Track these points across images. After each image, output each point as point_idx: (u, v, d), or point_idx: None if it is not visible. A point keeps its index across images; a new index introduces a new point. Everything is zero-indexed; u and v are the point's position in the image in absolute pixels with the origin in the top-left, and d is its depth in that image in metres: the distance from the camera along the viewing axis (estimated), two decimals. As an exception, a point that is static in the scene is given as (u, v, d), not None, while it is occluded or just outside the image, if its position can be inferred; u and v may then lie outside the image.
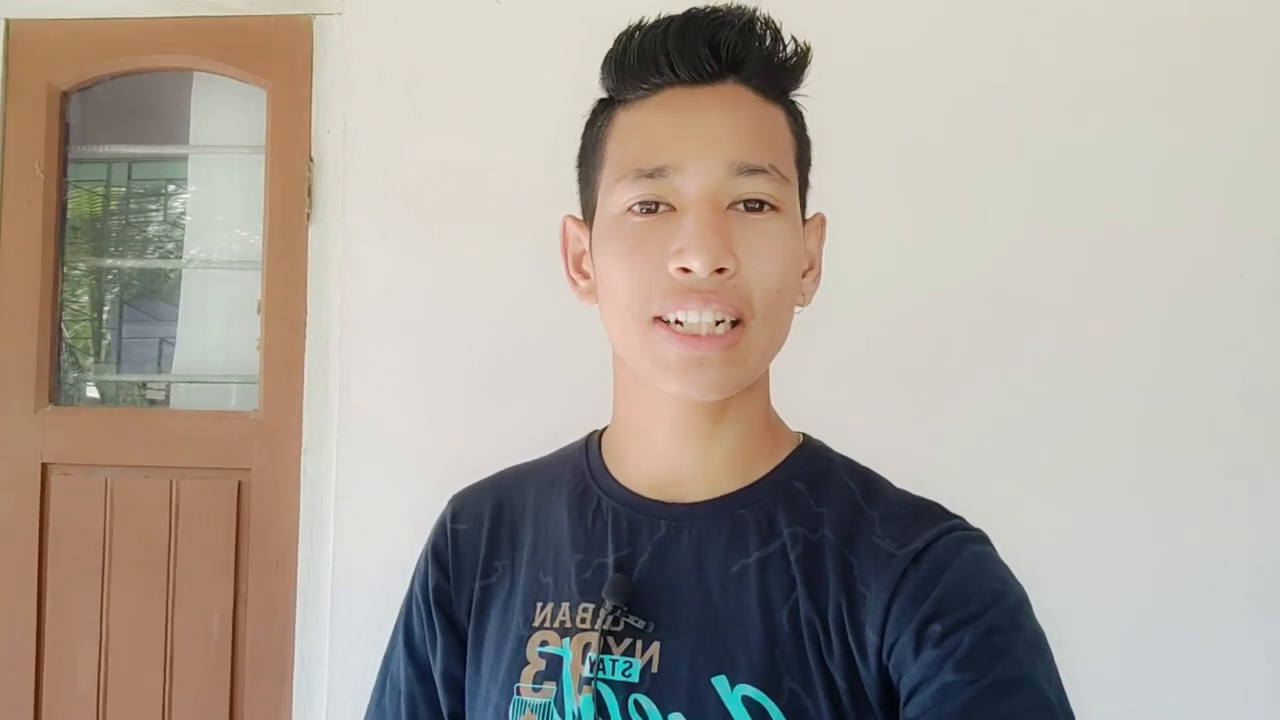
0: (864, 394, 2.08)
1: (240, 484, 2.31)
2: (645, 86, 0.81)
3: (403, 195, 2.25)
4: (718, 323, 0.76)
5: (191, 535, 2.31)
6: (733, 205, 0.77)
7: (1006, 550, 0.79)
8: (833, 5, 1.94)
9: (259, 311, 2.34)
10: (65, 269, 2.53)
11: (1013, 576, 0.77)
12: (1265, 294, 2.05)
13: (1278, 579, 2.01)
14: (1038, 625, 0.75)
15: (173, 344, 2.59)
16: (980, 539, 0.79)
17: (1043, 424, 2.07)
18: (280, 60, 2.34)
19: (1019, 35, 2.13)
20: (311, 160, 2.30)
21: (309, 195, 2.30)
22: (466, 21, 2.25)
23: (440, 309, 2.23)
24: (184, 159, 2.62)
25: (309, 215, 2.30)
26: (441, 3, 2.27)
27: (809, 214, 0.87)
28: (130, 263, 2.75)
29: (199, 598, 2.31)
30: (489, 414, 2.19)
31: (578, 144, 0.88)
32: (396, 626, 0.95)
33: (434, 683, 0.90)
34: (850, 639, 0.76)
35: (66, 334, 2.60)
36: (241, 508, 2.31)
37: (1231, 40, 2.08)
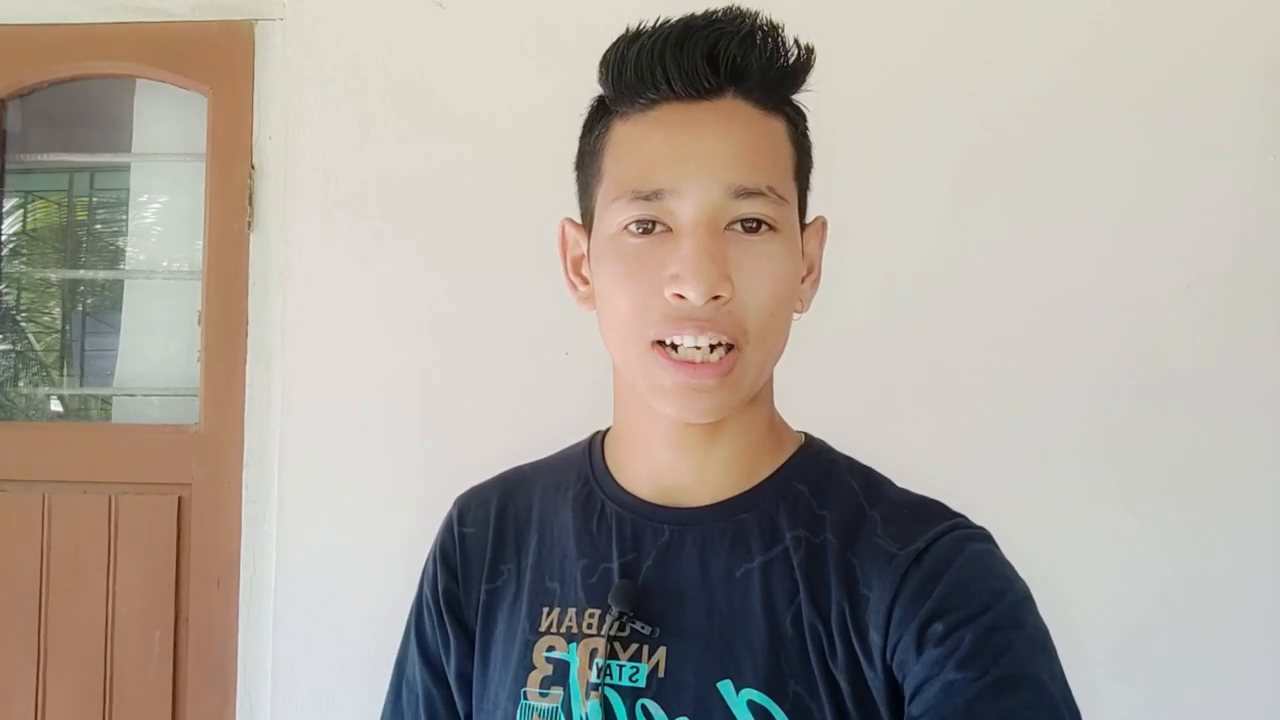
0: (857, 394, 2.05)
1: (180, 499, 2.26)
2: (642, 101, 0.80)
3: (346, 203, 2.22)
4: (712, 347, 0.76)
5: (131, 552, 2.26)
6: (729, 226, 0.77)
7: (1008, 548, 0.80)
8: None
9: (199, 323, 2.29)
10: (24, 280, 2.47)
11: (1015, 574, 0.78)
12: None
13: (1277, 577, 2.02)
14: (1041, 622, 0.75)
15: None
16: (983, 537, 0.80)
17: (1007, 431, 2.06)
18: (221, 66, 2.29)
19: (979, 35, 2.11)
20: (253, 168, 2.26)
21: (250, 204, 2.25)
22: (410, 26, 2.22)
23: (384, 320, 2.19)
24: (127, 168, 2.56)
25: (250, 224, 2.26)
26: (385, 7, 2.23)
27: (811, 216, 0.86)
28: (71, 273, 2.69)
29: (139, 615, 2.25)
30: (434, 427, 2.16)
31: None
32: (407, 630, 0.95)
33: (449, 684, 0.91)
34: (854, 641, 0.77)
35: (37, 346, 2.56)
36: (182, 524, 2.26)
37: (1179, 48, 2.08)
